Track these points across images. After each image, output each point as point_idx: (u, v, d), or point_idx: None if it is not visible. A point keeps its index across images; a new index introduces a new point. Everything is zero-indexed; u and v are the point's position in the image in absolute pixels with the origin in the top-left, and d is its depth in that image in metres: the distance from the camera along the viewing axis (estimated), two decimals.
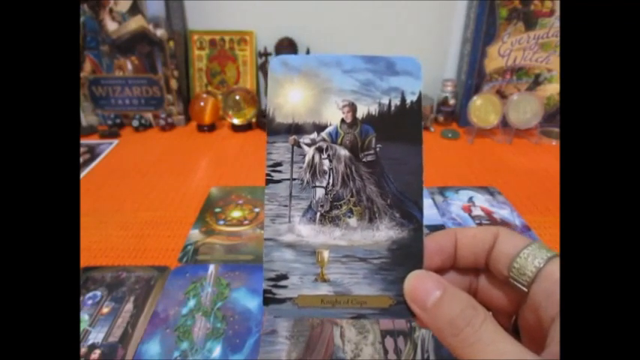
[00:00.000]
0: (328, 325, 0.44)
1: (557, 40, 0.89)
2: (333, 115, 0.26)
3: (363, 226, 0.26)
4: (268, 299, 0.25)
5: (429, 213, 0.64)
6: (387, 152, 0.26)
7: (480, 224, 0.62)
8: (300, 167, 0.26)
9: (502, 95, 0.94)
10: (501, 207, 0.66)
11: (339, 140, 0.26)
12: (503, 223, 0.62)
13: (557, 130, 0.93)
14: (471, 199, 0.68)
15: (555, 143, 0.90)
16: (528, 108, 0.88)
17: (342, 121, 0.26)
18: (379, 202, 0.26)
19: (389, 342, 0.42)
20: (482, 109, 0.90)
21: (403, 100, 0.26)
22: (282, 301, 0.25)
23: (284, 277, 0.25)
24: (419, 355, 0.41)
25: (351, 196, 0.26)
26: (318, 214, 0.26)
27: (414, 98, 0.26)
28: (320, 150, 0.26)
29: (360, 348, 0.41)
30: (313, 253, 0.25)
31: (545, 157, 0.84)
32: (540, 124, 0.91)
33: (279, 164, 0.26)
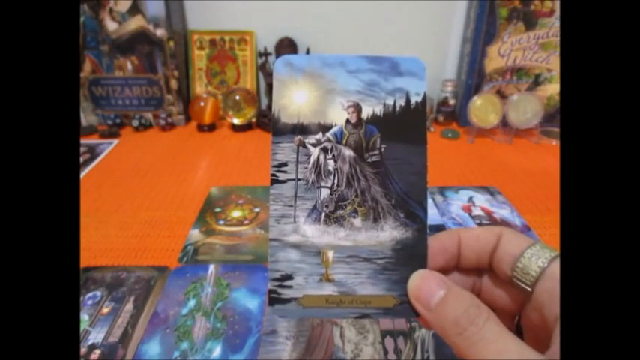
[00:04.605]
0: (328, 325, 0.44)
1: (557, 40, 0.89)
2: (338, 116, 0.26)
3: (367, 226, 0.26)
4: (273, 299, 0.25)
5: (429, 213, 0.64)
6: (392, 153, 0.26)
7: (480, 224, 0.62)
8: (305, 168, 0.26)
9: (502, 95, 0.94)
10: (501, 207, 0.66)
11: (344, 141, 0.26)
12: (503, 223, 0.62)
13: (557, 130, 0.93)
14: (471, 199, 0.68)
15: (555, 143, 0.90)
16: (528, 108, 0.89)
17: (347, 121, 0.26)
18: (384, 203, 0.26)
19: (389, 342, 0.42)
20: (482, 109, 0.90)
21: (408, 100, 0.26)
22: (287, 301, 0.25)
23: (289, 277, 0.25)
24: (419, 355, 0.41)
25: (356, 197, 0.26)
26: (323, 214, 0.26)
27: (419, 99, 0.26)
28: (325, 150, 0.26)
29: (360, 348, 0.41)
30: (318, 253, 0.25)
31: (545, 157, 0.84)
32: (540, 124, 0.91)
33: (285, 164, 0.26)
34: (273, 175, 0.26)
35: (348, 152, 0.26)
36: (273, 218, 0.25)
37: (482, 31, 0.90)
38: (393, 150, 0.26)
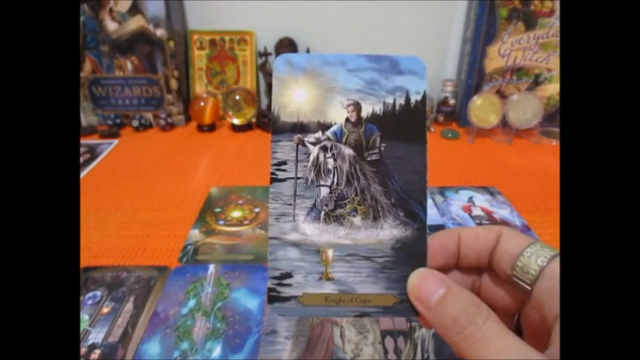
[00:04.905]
0: (328, 325, 0.44)
1: (557, 40, 0.89)
2: (338, 114, 0.26)
3: (367, 224, 0.26)
4: (272, 297, 0.25)
5: (429, 213, 0.64)
6: (392, 151, 0.26)
7: (480, 224, 0.62)
8: (305, 166, 0.26)
9: (502, 95, 0.94)
10: (501, 207, 0.66)
11: (344, 139, 0.26)
12: (504, 223, 0.62)
13: (557, 130, 0.93)
14: (471, 199, 0.68)
15: (555, 143, 0.90)
16: (528, 108, 0.89)
17: (347, 120, 0.26)
18: (383, 201, 0.26)
19: (389, 342, 0.42)
20: (483, 109, 0.90)
21: (408, 99, 0.26)
22: (287, 299, 0.25)
23: (288, 275, 0.25)
24: (419, 355, 0.41)
25: (356, 195, 0.26)
26: (323, 212, 0.26)
27: (419, 98, 0.26)
28: (324, 149, 0.26)
29: (360, 348, 0.41)
30: (317, 251, 0.25)
31: (545, 157, 0.84)
32: (540, 124, 0.91)
33: (284, 163, 0.26)
34: (272, 173, 0.26)
35: (348, 151, 0.26)
36: (272, 217, 0.25)
37: (483, 31, 0.90)
38: (392, 149, 0.26)
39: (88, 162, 0.82)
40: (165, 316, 0.45)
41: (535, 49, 0.90)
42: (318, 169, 0.26)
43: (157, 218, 0.63)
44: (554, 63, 0.92)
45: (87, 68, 0.95)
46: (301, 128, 0.26)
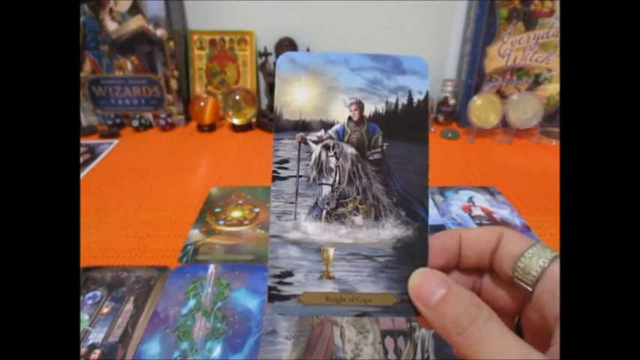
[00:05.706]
0: (328, 325, 0.43)
1: (557, 40, 0.89)
2: (341, 113, 0.26)
3: (368, 224, 0.26)
4: (273, 296, 0.25)
5: (429, 213, 0.64)
6: (394, 151, 0.26)
7: (480, 224, 0.62)
8: (307, 164, 0.26)
9: (502, 95, 0.94)
10: (501, 207, 0.66)
11: (346, 138, 0.26)
12: (504, 223, 0.62)
13: (557, 130, 0.94)
14: (471, 199, 0.68)
15: (555, 143, 0.90)
16: (528, 108, 0.89)
17: (349, 118, 0.26)
18: (385, 201, 0.26)
19: (389, 342, 0.42)
20: (483, 109, 0.90)
21: (410, 99, 0.26)
22: (287, 298, 0.25)
23: (289, 274, 0.25)
24: (419, 355, 0.41)
25: (357, 194, 0.26)
26: (324, 211, 0.26)
27: (421, 97, 0.26)
28: (327, 147, 0.26)
29: (360, 348, 0.41)
30: (318, 250, 0.25)
31: (545, 157, 0.84)
32: (540, 124, 0.91)
33: (286, 161, 0.26)
34: (274, 171, 0.26)
35: (350, 150, 0.26)
36: (273, 215, 0.25)
37: (482, 31, 0.90)
38: (394, 148, 0.26)
39: (88, 162, 0.82)
40: (165, 316, 0.45)
41: (535, 49, 0.90)
42: (320, 167, 0.26)
43: (156, 218, 0.63)
44: (554, 63, 0.92)
45: (87, 68, 0.95)
46: (303, 126, 0.26)
